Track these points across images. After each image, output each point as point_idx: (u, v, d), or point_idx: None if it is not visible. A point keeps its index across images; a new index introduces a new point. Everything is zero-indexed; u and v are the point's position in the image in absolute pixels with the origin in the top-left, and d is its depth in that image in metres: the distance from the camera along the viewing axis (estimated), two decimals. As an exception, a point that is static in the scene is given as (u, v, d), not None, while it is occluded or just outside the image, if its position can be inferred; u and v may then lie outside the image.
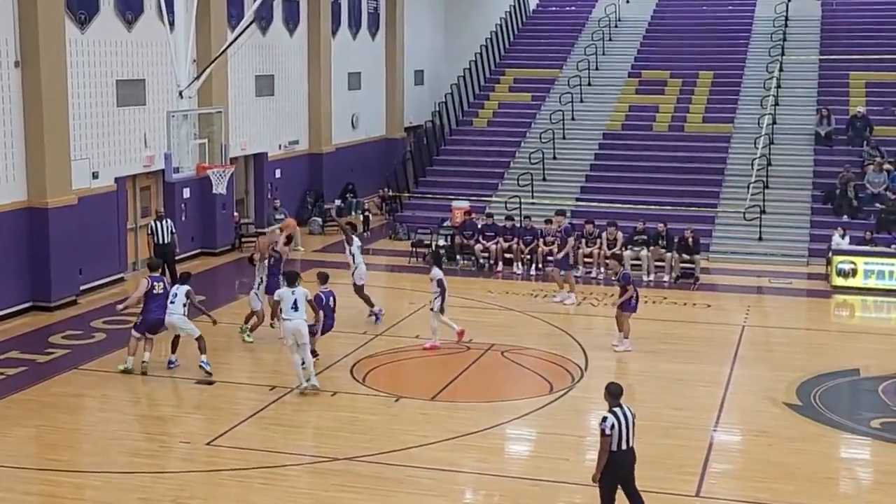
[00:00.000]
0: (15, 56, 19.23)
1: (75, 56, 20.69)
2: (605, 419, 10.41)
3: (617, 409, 10.47)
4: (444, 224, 26.03)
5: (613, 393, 10.60)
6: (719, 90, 31.48)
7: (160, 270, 17.18)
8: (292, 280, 15.60)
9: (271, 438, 13.71)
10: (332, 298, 16.83)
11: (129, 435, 13.84)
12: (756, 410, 14.99)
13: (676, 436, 13.89)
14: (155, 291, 16.20)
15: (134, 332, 16.28)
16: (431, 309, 17.58)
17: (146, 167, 22.99)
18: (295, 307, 15.25)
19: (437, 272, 17.54)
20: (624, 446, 10.45)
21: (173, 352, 16.50)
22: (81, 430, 14.31)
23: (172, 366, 16.40)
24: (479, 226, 24.72)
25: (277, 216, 26.48)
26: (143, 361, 16.13)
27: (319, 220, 28.88)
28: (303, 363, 15.38)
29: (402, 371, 16.94)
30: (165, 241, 21.43)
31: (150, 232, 22.00)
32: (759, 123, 28.87)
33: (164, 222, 21.79)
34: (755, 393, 15.69)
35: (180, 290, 16.16)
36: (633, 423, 10.56)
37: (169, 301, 16.08)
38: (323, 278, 16.96)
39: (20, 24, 19.20)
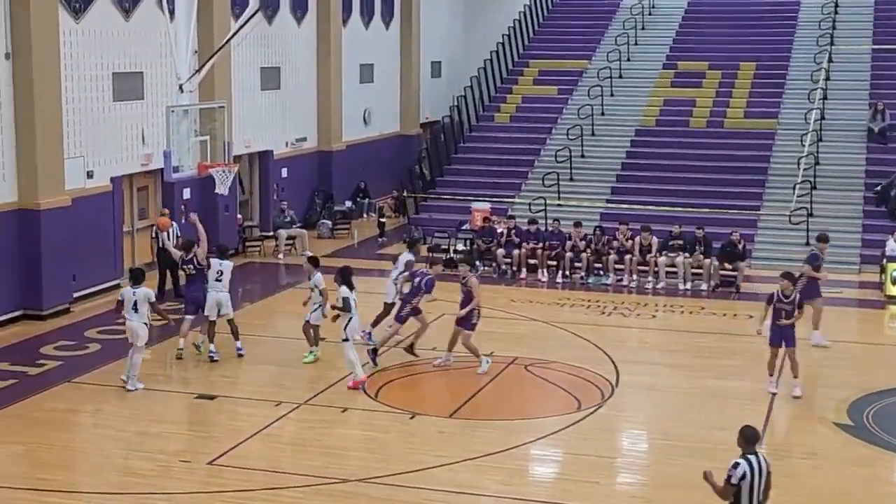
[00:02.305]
0: (6, 48, 19.40)
1: (69, 47, 20.85)
2: (736, 465, 9.49)
3: (751, 457, 9.55)
4: (463, 227, 26.10)
5: (749, 438, 9.64)
6: (762, 83, 31.46)
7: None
8: (138, 279, 16.36)
9: (277, 458, 13.77)
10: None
11: (126, 453, 13.93)
12: (803, 431, 15.01)
13: (714, 457, 13.79)
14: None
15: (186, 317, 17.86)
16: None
17: (144, 166, 23.16)
18: (135, 308, 16.05)
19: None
20: (754, 502, 9.52)
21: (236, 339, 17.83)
22: (75, 448, 14.43)
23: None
24: (502, 232, 24.51)
25: (284, 219, 26.65)
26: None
27: (329, 222, 29.00)
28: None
29: (418, 386, 17.00)
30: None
31: (153, 235, 22.17)
32: (805, 119, 28.84)
33: (169, 227, 21.93)
34: (802, 412, 15.69)
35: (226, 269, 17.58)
36: (769, 476, 9.64)
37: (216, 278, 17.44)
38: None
39: (11, 14, 19.38)
